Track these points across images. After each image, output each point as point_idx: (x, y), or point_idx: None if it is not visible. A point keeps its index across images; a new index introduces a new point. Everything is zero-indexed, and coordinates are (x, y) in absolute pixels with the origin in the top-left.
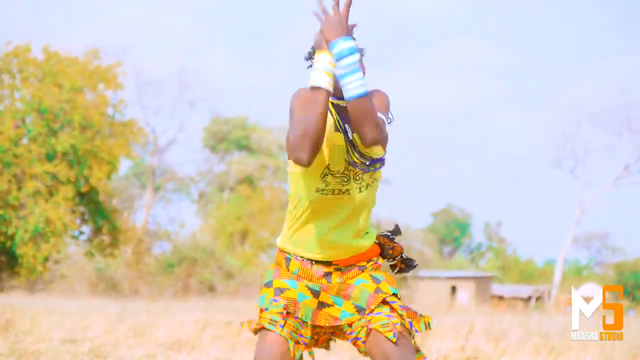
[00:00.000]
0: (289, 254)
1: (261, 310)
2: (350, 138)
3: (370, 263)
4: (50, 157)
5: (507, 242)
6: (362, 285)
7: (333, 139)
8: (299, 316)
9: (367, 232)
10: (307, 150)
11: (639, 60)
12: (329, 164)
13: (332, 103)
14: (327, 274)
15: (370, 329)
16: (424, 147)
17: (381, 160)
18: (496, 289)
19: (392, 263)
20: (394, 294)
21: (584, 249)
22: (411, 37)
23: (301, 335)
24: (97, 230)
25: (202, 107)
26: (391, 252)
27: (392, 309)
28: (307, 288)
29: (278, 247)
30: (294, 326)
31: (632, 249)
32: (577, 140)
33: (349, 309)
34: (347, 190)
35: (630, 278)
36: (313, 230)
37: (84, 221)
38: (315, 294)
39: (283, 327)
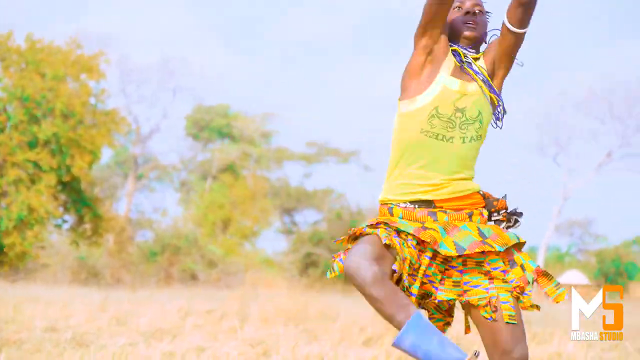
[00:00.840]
0: (391, 203)
1: (353, 232)
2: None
3: (477, 212)
4: (32, 145)
5: None
6: (467, 232)
7: (446, 82)
8: (398, 226)
9: (471, 177)
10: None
11: (621, 47)
12: (437, 106)
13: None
14: (432, 213)
15: (467, 301)
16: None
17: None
18: None
19: (496, 218)
20: (499, 252)
21: (567, 235)
22: (396, 28)
23: (408, 240)
24: (80, 219)
25: (185, 96)
26: (496, 204)
27: (492, 278)
28: (411, 222)
29: (380, 201)
30: (395, 230)
31: (613, 236)
32: (560, 127)
33: (449, 245)
34: (451, 138)
35: (611, 265)
36: (413, 172)
37: (66, 210)
38: (421, 222)
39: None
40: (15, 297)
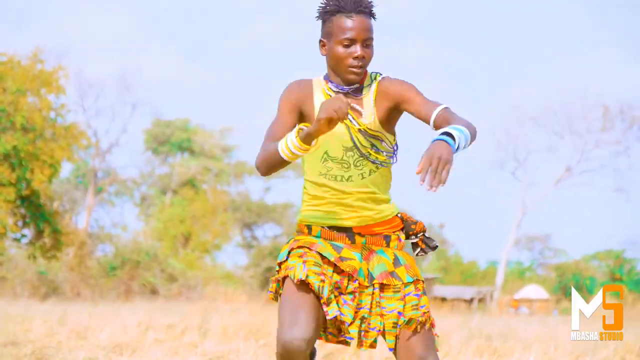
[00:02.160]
0: (310, 223)
1: (279, 264)
2: (357, 125)
3: (395, 236)
4: None
5: (450, 243)
6: (382, 258)
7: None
8: (319, 250)
9: (383, 204)
10: (262, 173)
11: (580, 61)
12: (327, 150)
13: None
14: (350, 236)
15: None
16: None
17: (390, 151)
18: (439, 290)
19: (414, 241)
20: (410, 282)
21: (526, 250)
22: None
23: (323, 272)
24: (39, 233)
25: (144, 110)
26: (414, 227)
27: (404, 305)
28: (330, 245)
29: (298, 221)
30: (314, 262)
31: (573, 250)
32: (518, 141)
33: (365, 271)
34: (350, 177)
35: (571, 279)
36: (326, 204)
37: (25, 224)
38: (338, 249)
39: (304, 264)
40: None
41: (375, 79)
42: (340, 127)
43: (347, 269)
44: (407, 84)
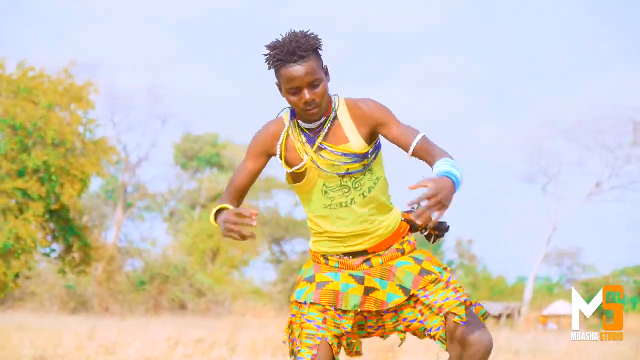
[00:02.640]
0: (325, 253)
1: (297, 303)
2: (321, 146)
3: (405, 243)
4: (21, 174)
5: (479, 259)
6: (404, 267)
7: (314, 160)
8: (343, 307)
9: (390, 213)
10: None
11: (610, 75)
12: (324, 182)
13: (299, 127)
14: (367, 260)
15: (446, 311)
16: (394, 161)
17: (365, 156)
18: None
19: (425, 234)
20: (440, 272)
21: (555, 266)
22: (385, 52)
23: (344, 328)
24: (68, 248)
25: (174, 124)
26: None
27: (447, 284)
28: (350, 277)
29: (312, 250)
30: (333, 322)
31: (602, 266)
32: (549, 156)
33: (395, 291)
34: (352, 199)
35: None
36: (336, 233)
37: (54, 238)
38: (360, 279)
39: (325, 332)
40: (3, 325)
41: (341, 103)
42: (328, 156)
43: (375, 308)
44: (383, 107)
